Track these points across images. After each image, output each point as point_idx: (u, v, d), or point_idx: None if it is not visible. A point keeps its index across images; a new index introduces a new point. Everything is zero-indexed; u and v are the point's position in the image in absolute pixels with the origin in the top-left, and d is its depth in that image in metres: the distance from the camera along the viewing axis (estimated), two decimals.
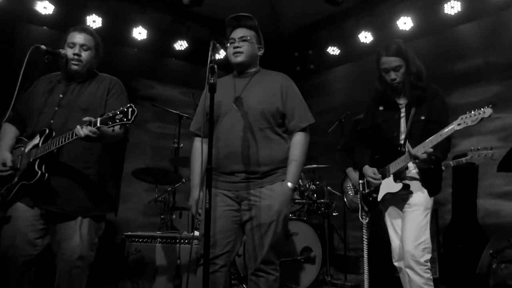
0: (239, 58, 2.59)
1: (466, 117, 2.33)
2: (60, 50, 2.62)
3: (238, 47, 2.59)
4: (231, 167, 2.49)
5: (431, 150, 2.44)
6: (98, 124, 2.27)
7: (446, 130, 2.40)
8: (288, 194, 2.47)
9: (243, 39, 2.60)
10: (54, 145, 2.42)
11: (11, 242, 2.49)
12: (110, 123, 2.25)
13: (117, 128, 2.40)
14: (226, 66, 2.89)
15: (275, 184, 2.49)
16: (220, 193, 2.52)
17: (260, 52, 2.71)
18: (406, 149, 2.54)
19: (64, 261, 2.50)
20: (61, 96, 2.65)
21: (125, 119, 2.23)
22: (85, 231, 2.55)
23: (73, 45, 2.64)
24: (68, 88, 2.69)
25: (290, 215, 4.68)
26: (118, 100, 2.70)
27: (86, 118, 2.32)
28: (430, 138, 2.46)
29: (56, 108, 2.62)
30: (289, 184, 2.48)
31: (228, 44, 2.67)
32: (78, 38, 2.65)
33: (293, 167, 2.51)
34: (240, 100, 2.53)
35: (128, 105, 2.25)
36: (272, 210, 2.42)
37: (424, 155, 2.44)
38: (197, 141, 2.69)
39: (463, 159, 3.69)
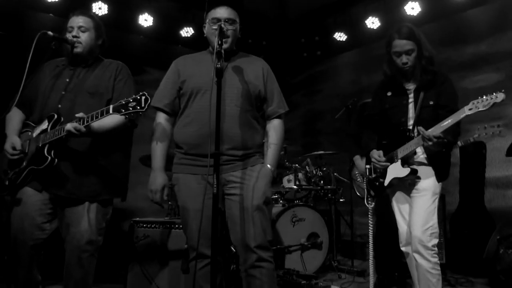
0: (225, 45, 2.35)
1: (478, 102, 2.31)
2: (67, 36, 2.64)
3: (228, 29, 2.39)
4: (204, 148, 2.23)
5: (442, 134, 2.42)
6: (111, 111, 2.27)
7: (456, 115, 2.38)
8: (270, 176, 2.41)
9: (230, 22, 2.42)
10: (63, 131, 2.44)
11: (20, 226, 2.52)
12: (123, 110, 2.24)
13: (117, 119, 2.46)
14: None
15: (256, 166, 2.41)
16: (196, 179, 2.37)
17: (239, 33, 2.54)
18: (419, 131, 2.49)
19: (73, 246, 2.54)
20: (67, 80, 2.67)
21: (138, 107, 2.22)
22: (93, 216, 2.58)
23: (71, 28, 2.66)
24: (74, 73, 2.70)
25: (297, 201, 4.70)
26: (126, 85, 2.71)
27: (80, 115, 2.35)
28: (441, 122, 2.44)
29: (63, 93, 2.63)
30: (269, 166, 2.42)
31: (208, 22, 2.48)
32: (76, 21, 2.67)
33: (272, 150, 2.46)
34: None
35: (141, 93, 2.24)
36: (258, 192, 2.32)
37: (439, 136, 2.41)
38: (161, 118, 2.53)
39: (471, 138, 3.69)
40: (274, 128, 2.52)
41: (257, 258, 2.29)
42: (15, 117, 2.71)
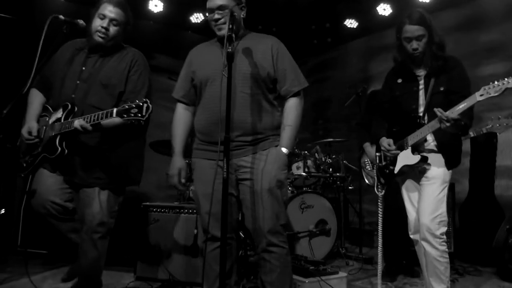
0: (223, 31, 2.32)
1: (489, 88, 2.28)
2: (78, 20, 2.60)
3: (218, 18, 2.38)
4: (217, 134, 2.23)
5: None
6: (114, 115, 2.31)
7: (468, 100, 2.35)
8: (283, 159, 2.36)
9: (222, 8, 2.37)
10: (71, 126, 2.48)
11: (42, 196, 2.63)
12: (125, 116, 2.28)
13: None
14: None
15: (268, 150, 2.38)
16: (210, 164, 2.38)
17: (243, 13, 2.47)
18: (437, 113, 2.42)
19: (86, 226, 2.63)
20: (83, 68, 2.67)
21: (139, 115, 2.25)
22: (104, 198, 2.66)
23: (103, 16, 2.62)
24: (90, 60, 2.70)
25: (306, 188, 4.70)
26: (140, 78, 2.72)
27: (78, 123, 2.43)
28: (454, 107, 2.40)
29: (78, 82, 2.65)
30: (283, 149, 2.37)
31: (207, 14, 2.46)
32: (110, 11, 2.62)
33: (287, 132, 2.40)
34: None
35: (144, 100, 2.27)
36: (268, 175, 2.30)
37: (457, 118, 2.36)
38: (181, 107, 2.58)
39: (483, 128, 3.65)
40: (289, 108, 2.45)
41: (267, 243, 2.31)
42: (36, 100, 2.74)
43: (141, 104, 2.26)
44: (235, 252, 2.47)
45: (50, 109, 2.69)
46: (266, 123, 2.41)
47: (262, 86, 2.42)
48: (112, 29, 2.64)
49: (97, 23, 2.62)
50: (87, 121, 2.43)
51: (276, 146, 2.40)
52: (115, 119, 2.39)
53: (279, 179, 2.33)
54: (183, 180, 2.48)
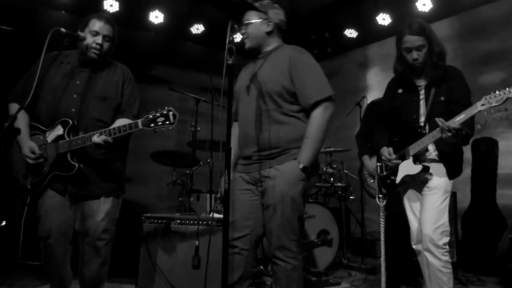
0: (247, 44, 2.58)
1: (490, 97, 2.27)
2: (79, 32, 2.65)
3: (243, 33, 2.59)
4: (246, 150, 2.50)
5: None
6: (140, 126, 2.47)
7: (469, 110, 2.35)
8: (296, 173, 2.32)
9: (244, 23, 2.57)
10: (84, 142, 2.53)
11: (52, 225, 2.60)
12: (153, 125, 2.46)
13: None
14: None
15: (284, 164, 2.37)
16: (238, 176, 2.53)
17: (268, 28, 2.55)
18: (438, 122, 2.40)
19: (90, 236, 2.65)
20: (78, 83, 2.70)
21: (167, 122, 2.45)
22: (108, 206, 2.70)
23: (96, 33, 2.67)
24: (84, 75, 2.73)
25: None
26: (133, 91, 2.84)
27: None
28: (454, 118, 2.39)
29: (75, 96, 2.66)
30: (300, 163, 2.33)
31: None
32: (103, 28, 2.68)
33: (304, 145, 2.36)
34: (251, 83, 2.52)
35: (168, 108, 2.46)
36: (277, 191, 2.32)
37: (458, 128, 2.35)
38: (234, 126, 2.65)
39: (478, 125, 3.62)
40: (310, 120, 2.40)
41: (273, 256, 2.38)
42: (22, 121, 2.64)
43: (165, 112, 2.45)
44: (250, 263, 2.48)
45: (40, 126, 2.66)
46: (284, 137, 2.41)
47: (278, 101, 2.43)
48: (105, 45, 2.70)
49: (90, 40, 2.66)
50: (106, 135, 2.49)
51: (295, 159, 2.37)
52: (122, 123, 2.56)
53: (290, 195, 2.32)
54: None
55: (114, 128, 2.50)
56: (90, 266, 2.67)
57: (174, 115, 2.44)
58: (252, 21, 2.54)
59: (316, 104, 2.39)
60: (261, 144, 2.43)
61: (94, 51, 2.66)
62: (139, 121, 2.48)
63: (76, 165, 2.55)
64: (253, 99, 2.47)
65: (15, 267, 3.91)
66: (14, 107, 2.68)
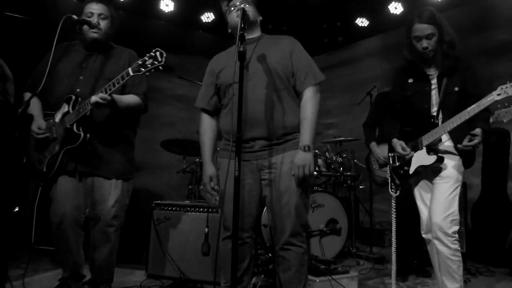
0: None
1: (507, 87, 2.25)
2: (91, 19, 2.72)
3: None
4: (249, 133, 2.34)
5: (478, 138, 2.42)
6: (131, 73, 2.45)
7: (485, 100, 2.33)
8: (303, 157, 2.30)
9: (242, 2, 2.49)
10: (85, 108, 2.54)
11: (65, 210, 2.67)
12: (143, 69, 2.43)
13: (134, 99, 2.70)
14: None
15: (294, 150, 2.36)
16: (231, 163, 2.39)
17: (260, 17, 2.59)
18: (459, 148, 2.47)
19: (100, 221, 2.70)
20: (83, 65, 2.75)
21: (156, 62, 2.41)
22: (118, 192, 2.74)
23: (91, 14, 2.74)
24: (89, 58, 2.79)
25: (316, 187, 4.70)
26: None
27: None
28: (468, 109, 2.39)
29: (81, 78, 2.71)
30: (303, 145, 2.32)
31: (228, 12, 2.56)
32: (95, 8, 2.75)
33: (303, 127, 2.37)
34: (252, 64, 2.40)
35: (155, 50, 2.43)
36: (286, 175, 2.33)
37: (474, 144, 2.41)
38: (204, 116, 2.63)
39: (490, 119, 3.60)
40: (304, 101, 2.42)
41: (285, 242, 2.35)
42: (34, 107, 2.74)
43: (153, 54, 2.43)
44: (253, 250, 2.50)
45: (49, 112, 2.74)
46: (292, 119, 2.40)
47: (286, 82, 2.43)
48: (103, 23, 2.76)
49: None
50: (102, 92, 2.51)
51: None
52: (128, 97, 2.63)
53: (299, 179, 2.32)
54: (216, 187, 2.49)
55: (108, 84, 2.52)
56: (101, 251, 2.73)
57: (161, 53, 2.41)
58: (251, 4, 2.52)
59: (309, 87, 2.45)
60: (271, 126, 2.35)
61: (93, 30, 2.72)
62: (129, 68, 2.47)
63: (82, 133, 2.57)
64: (259, 80, 2.37)
65: (29, 251, 3.98)
66: (28, 96, 2.76)
